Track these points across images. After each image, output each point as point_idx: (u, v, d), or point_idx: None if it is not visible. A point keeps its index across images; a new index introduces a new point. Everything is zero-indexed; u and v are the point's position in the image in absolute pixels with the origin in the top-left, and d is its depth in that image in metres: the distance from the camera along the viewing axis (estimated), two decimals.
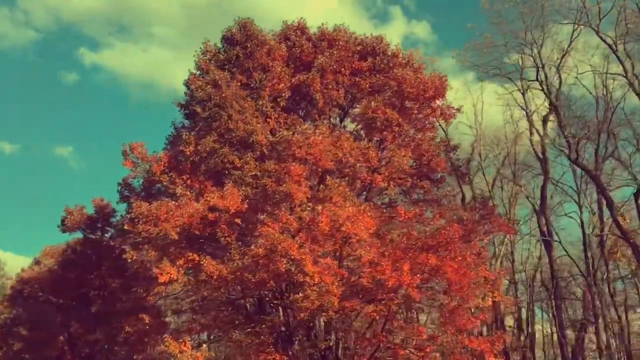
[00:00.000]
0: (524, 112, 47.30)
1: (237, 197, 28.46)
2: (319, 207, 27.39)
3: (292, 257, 26.10)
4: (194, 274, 29.41)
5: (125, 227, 29.05)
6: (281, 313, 35.12)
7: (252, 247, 27.38)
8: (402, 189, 33.08)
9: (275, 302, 34.74)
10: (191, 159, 30.68)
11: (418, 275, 26.98)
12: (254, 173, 30.46)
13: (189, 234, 29.85)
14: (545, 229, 44.75)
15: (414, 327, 30.86)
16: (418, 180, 33.38)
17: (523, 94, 47.40)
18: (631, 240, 35.45)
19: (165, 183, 30.95)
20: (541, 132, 45.04)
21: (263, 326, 32.40)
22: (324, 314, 27.51)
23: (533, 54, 40.45)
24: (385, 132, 31.29)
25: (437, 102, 32.66)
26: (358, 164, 31.03)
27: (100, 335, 41.24)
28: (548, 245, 44.85)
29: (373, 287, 27.51)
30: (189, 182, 30.96)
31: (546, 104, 46.86)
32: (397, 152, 30.95)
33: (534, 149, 46.81)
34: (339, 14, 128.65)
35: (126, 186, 34.92)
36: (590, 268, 42.05)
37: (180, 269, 28.93)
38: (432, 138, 33.82)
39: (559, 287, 44.67)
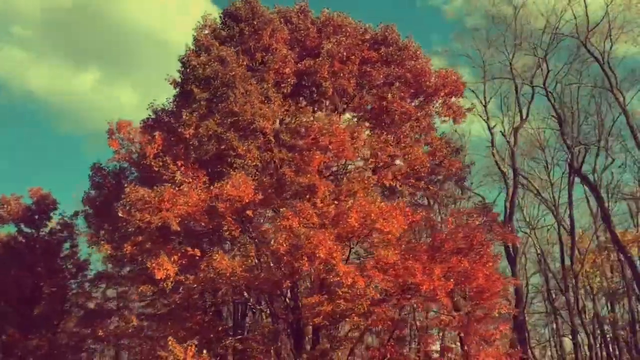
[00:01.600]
0: (486, 124, 46.61)
1: (250, 187, 25.37)
2: (350, 201, 24.77)
3: (319, 255, 23.25)
4: (193, 271, 25.91)
5: (120, 214, 25.16)
6: (264, 318, 32.42)
7: (272, 242, 24.35)
8: (411, 189, 30.75)
9: (259, 307, 31.91)
10: (191, 142, 27.30)
11: (451, 280, 24.83)
12: (255, 163, 27.61)
13: (185, 226, 26.60)
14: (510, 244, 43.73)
15: (425, 337, 28.61)
16: (421, 182, 31.21)
17: (485, 106, 46.88)
18: (628, 255, 34.88)
19: (156, 168, 27.35)
20: (512, 144, 44.34)
21: (255, 333, 29.61)
22: (347, 319, 24.92)
23: (540, 58, 39.29)
24: (403, 127, 29.10)
25: (453, 99, 30.74)
26: (370, 159, 28.65)
27: (43, 341, 36.33)
28: (512, 261, 43.84)
29: (397, 290, 25.25)
30: (182, 168, 27.51)
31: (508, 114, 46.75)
32: (415, 149, 28.82)
33: (496, 162, 45.81)
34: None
35: (98, 171, 30.92)
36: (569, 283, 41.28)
37: (175, 265, 25.46)
38: (442, 137, 31.82)
39: (522, 302, 43.66)
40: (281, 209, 24.90)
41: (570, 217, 42.16)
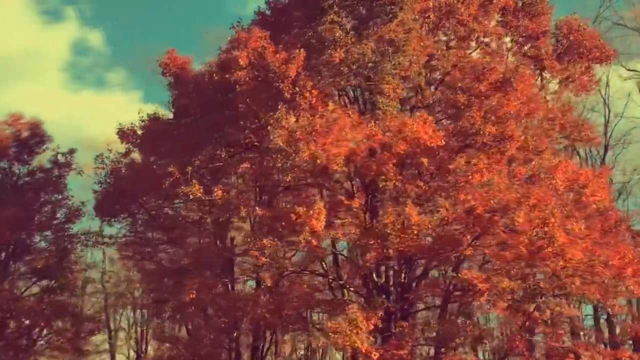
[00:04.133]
0: None
1: (436, 129, 20.68)
2: (554, 160, 20.75)
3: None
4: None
5: (280, 144, 19.43)
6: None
7: (469, 197, 19.73)
8: None
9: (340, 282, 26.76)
10: (341, 68, 22.09)
11: None
12: (396, 105, 22.84)
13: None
14: None
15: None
16: None
17: None
18: None
19: (288, 94, 21.83)
20: None
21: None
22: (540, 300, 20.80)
23: None
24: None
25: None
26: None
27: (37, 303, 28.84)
28: None
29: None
30: (312, 101, 22.23)
31: None
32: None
33: None
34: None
35: (187, 94, 24.65)
36: None
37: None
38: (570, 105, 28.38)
39: None
40: (473, 160, 20.42)
41: None
